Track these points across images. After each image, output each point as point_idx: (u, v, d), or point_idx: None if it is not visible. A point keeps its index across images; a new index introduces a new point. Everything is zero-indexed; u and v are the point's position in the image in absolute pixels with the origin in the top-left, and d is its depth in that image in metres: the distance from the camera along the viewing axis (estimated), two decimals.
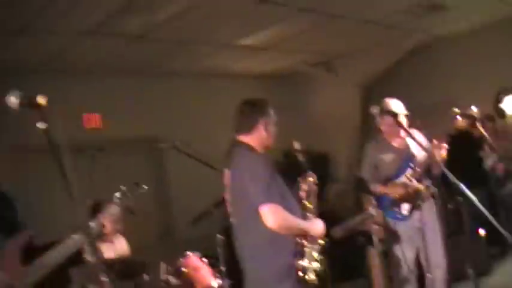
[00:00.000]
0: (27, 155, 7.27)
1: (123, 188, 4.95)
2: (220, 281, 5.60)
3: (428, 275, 5.32)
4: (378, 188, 5.75)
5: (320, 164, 10.72)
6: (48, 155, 2.99)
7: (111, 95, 8.51)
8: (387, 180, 5.69)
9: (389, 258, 5.92)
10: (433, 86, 9.78)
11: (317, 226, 4.06)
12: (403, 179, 5.57)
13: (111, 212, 4.77)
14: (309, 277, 3.88)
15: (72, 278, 5.26)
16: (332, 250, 6.23)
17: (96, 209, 5.43)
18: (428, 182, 5.51)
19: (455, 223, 5.44)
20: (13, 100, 2.88)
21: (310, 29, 8.09)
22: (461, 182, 3.85)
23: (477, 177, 8.12)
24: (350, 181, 10.44)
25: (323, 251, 4.09)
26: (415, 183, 5.46)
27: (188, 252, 5.69)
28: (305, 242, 3.94)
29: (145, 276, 5.49)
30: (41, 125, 2.83)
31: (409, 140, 5.53)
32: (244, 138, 4.08)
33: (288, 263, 3.87)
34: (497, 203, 8.11)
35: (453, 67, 9.81)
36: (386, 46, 9.62)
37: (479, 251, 7.03)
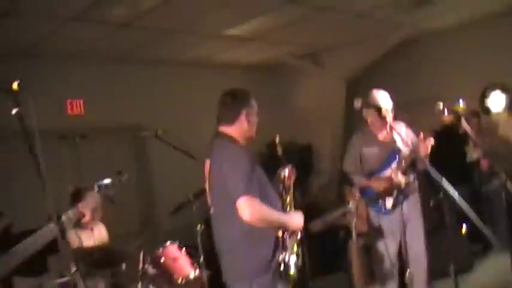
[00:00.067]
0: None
1: (104, 177, 4.89)
2: (198, 272, 5.57)
3: (409, 270, 5.29)
4: (362, 181, 5.73)
5: (304, 156, 10.73)
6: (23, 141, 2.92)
7: (95, 82, 8.44)
8: (372, 173, 5.66)
9: (372, 252, 5.91)
10: (420, 81, 9.78)
11: (296, 219, 3.98)
12: (388, 172, 5.53)
13: (91, 201, 4.72)
14: (289, 270, 3.84)
15: (50, 265, 5.22)
16: (313, 243, 6.24)
17: (76, 197, 5.41)
18: (413, 177, 5.47)
19: (437, 219, 5.40)
20: None
21: (298, 21, 8.03)
22: (446, 177, 3.83)
23: (461, 174, 8.14)
24: (333, 174, 10.44)
25: (301, 243, 4.06)
26: (400, 177, 5.42)
27: (167, 242, 5.65)
28: (286, 235, 3.88)
29: (123, 265, 5.46)
30: (14, 110, 2.74)
31: (395, 134, 5.48)
32: (226, 129, 4.03)
33: (267, 256, 3.81)
34: (482, 199, 8.12)
35: (440, 62, 9.81)
36: (373, 39, 9.58)
37: (461, 247, 7.03)
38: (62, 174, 7.48)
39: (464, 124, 4.98)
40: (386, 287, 5.76)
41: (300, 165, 10.28)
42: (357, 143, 5.85)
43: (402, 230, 5.30)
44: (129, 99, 8.80)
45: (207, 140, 4.14)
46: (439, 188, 3.76)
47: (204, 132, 4.49)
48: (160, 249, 5.52)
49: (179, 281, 5.34)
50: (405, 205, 5.29)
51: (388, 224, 5.54)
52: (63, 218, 4.27)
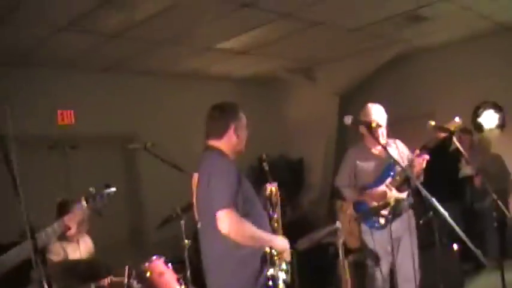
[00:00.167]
0: None
1: (92, 189, 4.83)
2: (184, 287, 5.49)
3: None
4: (355, 196, 5.68)
5: (295, 170, 10.69)
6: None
7: (86, 92, 8.39)
8: (365, 188, 5.60)
9: (364, 269, 5.86)
10: (412, 97, 9.78)
11: (279, 241, 3.91)
12: (382, 187, 5.49)
13: (78, 213, 4.65)
14: (278, 286, 3.77)
15: (32, 278, 5.14)
16: (302, 259, 6.18)
17: (62, 208, 5.34)
18: (407, 193, 5.42)
19: (427, 237, 5.37)
20: None
21: (291, 35, 8.01)
22: (437, 194, 3.79)
23: (453, 190, 8.12)
24: (324, 189, 10.40)
25: (290, 259, 3.99)
26: (394, 192, 5.38)
27: (153, 257, 5.57)
28: (273, 251, 3.80)
29: (108, 279, 5.39)
30: None
31: (390, 149, 5.44)
32: (215, 143, 3.99)
33: (253, 272, 3.76)
34: (473, 216, 8.09)
35: (432, 79, 9.81)
36: (367, 55, 9.56)
37: (452, 266, 7.00)
38: (51, 184, 7.42)
39: (455, 141, 4.94)
40: None
41: (291, 179, 10.37)
42: (352, 157, 5.80)
43: (396, 246, 5.37)
44: (120, 110, 8.74)
45: (197, 153, 4.11)
46: (430, 206, 3.71)
47: (194, 145, 4.45)
48: (146, 264, 5.44)
49: None
50: (398, 222, 5.30)
51: (381, 239, 5.47)
52: (48, 230, 4.21)
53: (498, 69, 8.95)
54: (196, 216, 4.06)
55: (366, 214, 5.56)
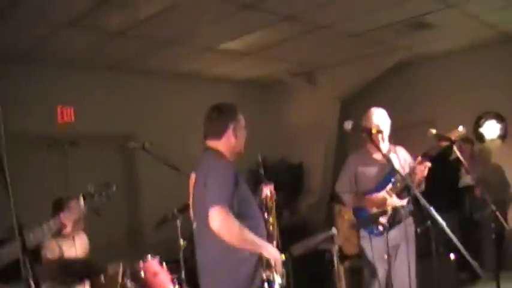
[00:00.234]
0: None
1: (90, 187, 4.81)
2: None
3: None
4: (355, 202, 5.63)
5: (295, 174, 10.66)
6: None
7: (86, 90, 8.36)
8: (365, 194, 5.54)
9: (361, 275, 5.83)
10: (413, 104, 9.77)
11: (271, 249, 3.84)
12: (383, 193, 5.43)
13: (74, 211, 4.63)
14: None
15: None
16: (298, 265, 6.16)
17: (58, 206, 5.32)
18: (408, 200, 5.38)
19: (424, 246, 5.34)
20: None
21: (293, 38, 7.99)
22: (437, 203, 3.77)
23: (452, 200, 8.09)
24: (323, 193, 10.37)
25: (285, 264, 3.96)
26: (394, 199, 5.35)
27: (148, 256, 5.54)
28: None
29: (102, 277, 5.36)
30: None
31: (392, 155, 5.41)
32: (214, 144, 3.96)
33: (248, 275, 3.72)
34: (471, 226, 8.06)
35: (434, 87, 9.80)
36: (369, 60, 9.55)
37: (448, 275, 6.97)
38: (50, 182, 7.41)
39: (456, 150, 4.91)
40: None
41: (291, 183, 10.34)
42: (353, 163, 5.75)
43: (394, 253, 5.34)
44: (120, 109, 8.72)
45: (195, 154, 4.09)
46: (428, 215, 3.68)
47: (193, 146, 4.43)
48: (141, 263, 5.41)
49: None
50: (397, 229, 5.26)
51: (379, 246, 5.42)
52: (44, 227, 4.18)
53: (501, 79, 8.93)
54: (192, 217, 4.03)
55: (363, 221, 5.54)
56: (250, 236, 3.67)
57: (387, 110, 5.62)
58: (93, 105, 8.34)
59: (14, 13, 5.96)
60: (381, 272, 5.48)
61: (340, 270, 6.69)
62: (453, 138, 4.89)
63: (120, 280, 5.21)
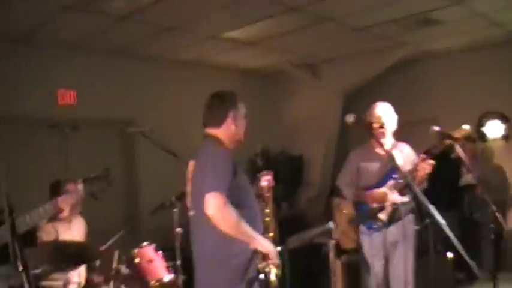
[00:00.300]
0: None
1: (91, 171, 4.80)
2: (173, 276, 5.43)
3: None
4: (355, 195, 5.62)
5: (295, 167, 10.63)
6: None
7: (88, 74, 8.32)
8: (366, 189, 5.52)
9: (358, 270, 5.82)
10: (417, 101, 9.68)
11: (265, 242, 3.81)
12: (383, 189, 5.40)
13: (72, 195, 4.61)
14: (270, 278, 3.75)
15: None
16: (295, 258, 6.14)
17: (55, 189, 5.29)
18: (409, 197, 5.32)
19: (422, 245, 5.32)
20: None
21: (298, 30, 7.93)
22: (437, 202, 3.73)
23: (452, 199, 8.05)
24: (323, 187, 10.35)
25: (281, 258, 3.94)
26: (395, 195, 5.32)
27: (144, 243, 5.51)
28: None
29: (97, 262, 5.34)
30: None
31: (395, 151, 5.39)
32: (213, 132, 3.95)
33: (244, 264, 3.70)
34: (471, 226, 8.02)
35: (439, 84, 9.77)
36: (374, 56, 9.51)
37: (445, 275, 6.96)
38: (50, 164, 7.40)
39: (458, 149, 4.87)
40: None
41: (290, 175, 10.31)
42: (355, 158, 5.74)
43: (393, 249, 5.35)
44: (122, 94, 8.68)
45: (196, 142, 4.08)
46: (427, 213, 3.64)
47: (194, 134, 4.39)
48: (136, 250, 5.39)
49: (152, 283, 5.21)
50: (397, 226, 5.27)
51: (378, 241, 5.41)
52: (40, 210, 4.16)
53: (507, 79, 8.88)
54: (189, 204, 4.00)
55: (362, 216, 5.51)
56: (245, 226, 3.64)
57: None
58: (95, 90, 8.30)
59: None
60: (378, 268, 5.46)
61: (336, 264, 6.68)
62: (457, 136, 4.84)
63: (114, 265, 5.19)
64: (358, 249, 5.78)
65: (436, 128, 4.84)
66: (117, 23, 7.16)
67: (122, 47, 8.40)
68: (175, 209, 5.61)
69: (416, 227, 5.42)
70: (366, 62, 9.74)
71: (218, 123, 3.94)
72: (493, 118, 9.26)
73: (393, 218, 5.29)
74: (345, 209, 6.06)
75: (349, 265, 6.76)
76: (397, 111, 5.59)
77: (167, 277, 5.38)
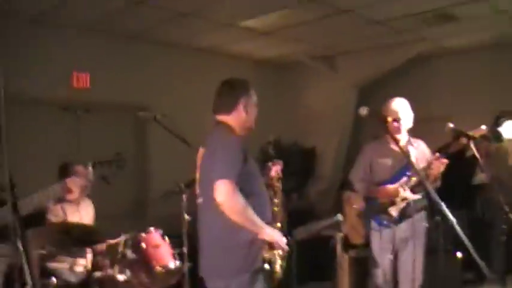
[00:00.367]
0: None
1: (103, 155, 4.79)
2: (179, 262, 5.41)
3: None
4: (367, 190, 5.61)
5: (306, 159, 10.59)
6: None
7: (104, 57, 8.29)
8: (379, 184, 5.50)
9: (366, 265, 5.82)
10: (431, 99, 9.59)
11: (274, 232, 3.79)
12: (396, 185, 5.36)
13: (82, 177, 4.60)
14: (275, 269, 3.78)
15: (29, 239, 5.09)
16: (302, 250, 6.11)
17: (64, 171, 5.29)
18: (421, 195, 5.30)
19: (432, 242, 5.28)
20: None
21: (316, 21, 7.86)
22: (448, 200, 3.69)
23: (465, 198, 7.99)
24: (334, 180, 10.31)
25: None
26: (407, 192, 5.28)
27: (151, 228, 5.49)
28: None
29: (104, 246, 5.35)
30: None
31: (410, 147, 5.38)
32: (224, 118, 3.93)
33: (250, 253, 3.69)
34: (482, 226, 7.95)
35: (454, 82, 9.67)
36: (391, 50, 9.45)
37: (454, 274, 6.93)
38: (62, 147, 7.39)
39: (473, 148, 4.81)
40: None
41: (302, 167, 10.28)
42: (369, 152, 5.72)
43: (404, 245, 5.37)
44: (136, 79, 8.63)
45: (208, 129, 4.04)
46: (438, 211, 3.60)
47: (207, 121, 4.35)
48: (143, 235, 5.36)
49: (157, 269, 5.19)
50: (408, 222, 5.27)
51: (387, 238, 5.38)
52: (48, 190, 4.15)
53: None
54: (198, 191, 3.98)
55: (372, 210, 5.49)
56: (253, 215, 3.62)
57: None
58: (109, 73, 8.27)
59: None
60: (387, 264, 5.44)
61: (343, 257, 6.65)
62: (471, 134, 4.79)
63: (120, 249, 5.17)
64: (367, 245, 5.77)
65: (451, 125, 4.79)
66: (132, 7, 7.10)
67: (138, 32, 8.36)
68: (184, 196, 5.57)
69: (426, 225, 5.38)
70: (383, 55, 9.66)
71: (229, 110, 3.91)
72: (510, 118, 9.16)
73: (404, 215, 5.28)
74: (355, 203, 6.03)
75: (358, 260, 6.73)
76: (411, 106, 5.55)
77: (172, 263, 5.35)
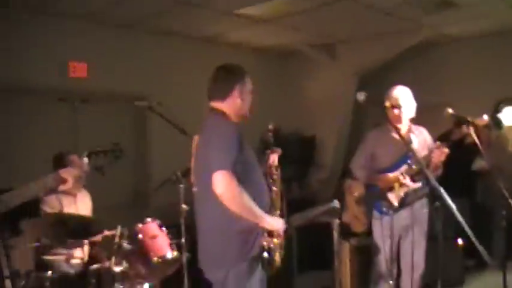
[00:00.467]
0: None
1: (100, 145, 4.75)
2: (177, 253, 5.36)
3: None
4: (368, 178, 5.59)
5: (307, 147, 10.55)
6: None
7: (101, 47, 8.26)
8: (380, 172, 5.48)
9: (368, 253, 5.86)
10: (431, 86, 9.53)
11: (274, 220, 3.77)
12: (396, 173, 5.34)
13: (76, 168, 4.55)
14: (274, 257, 3.75)
15: (24, 230, 5.06)
16: (303, 238, 6.06)
17: (58, 161, 5.25)
18: (422, 183, 5.27)
19: (433, 229, 5.26)
20: None
21: (316, 8, 7.78)
22: (448, 187, 3.65)
23: (464, 185, 7.96)
24: (335, 168, 10.28)
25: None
26: (407, 180, 5.26)
27: (148, 219, 5.44)
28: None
29: (100, 237, 5.30)
30: None
31: (412, 135, 5.38)
32: (218, 105, 3.87)
33: (248, 241, 3.65)
34: (482, 213, 7.93)
35: (456, 69, 9.66)
36: (391, 37, 9.38)
37: (454, 261, 6.94)
38: (59, 137, 7.36)
39: (473, 134, 4.77)
40: None
41: (302, 156, 10.24)
42: (370, 141, 5.70)
43: (405, 233, 5.41)
44: (134, 69, 8.59)
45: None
46: (438, 197, 3.56)
47: (206, 110, 4.31)
48: (140, 225, 5.31)
49: (155, 260, 5.14)
50: (408, 210, 5.25)
51: (388, 225, 5.35)
52: (42, 180, 4.12)
53: None
54: (193, 180, 3.94)
55: (371, 196, 5.50)
56: (252, 205, 3.57)
57: None
58: (107, 63, 8.24)
59: None
60: (388, 251, 5.41)
61: (343, 245, 6.62)
62: (471, 120, 4.75)
63: (117, 240, 5.12)
64: (369, 233, 5.80)
65: (450, 111, 4.75)
66: None
67: (136, 20, 8.29)
68: (181, 185, 5.51)
69: (427, 211, 5.36)
70: (383, 43, 9.61)
71: (223, 96, 3.85)
72: (510, 105, 9.13)
73: (404, 203, 5.25)
74: (356, 191, 6.01)
75: (360, 248, 6.71)
76: (412, 94, 5.51)
77: (170, 254, 5.30)
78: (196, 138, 3.93)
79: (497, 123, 9.09)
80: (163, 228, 5.48)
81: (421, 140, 5.46)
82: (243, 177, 3.54)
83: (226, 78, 3.91)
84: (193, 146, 3.97)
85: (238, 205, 3.51)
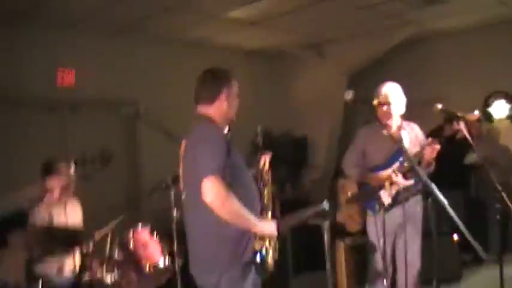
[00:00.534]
0: None
1: (89, 153, 4.69)
2: (169, 260, 5.31)
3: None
4: (360, 176, 5.53)
5: (299, 148, 10.54)
6: None
7: (89, 53, 8.25)
8: (372, 170, 5.45)
9: (363, 253, 5.88)
10: (422, 81, 9.55)
11: (267, 225, 3.70)
12: (388, 172, 5.31)
13: (63, 177, 4.49)
14: (266, 261, 3.68)
15: (11, 242, 4.99)
16: (297, 240, 6.02)
17: (46, 170, 5.18)
18: (415, 180, 5.21)
19: (427, 225, 5.24)
20: None
21: (303, 8, 7.80)
22: (442, 182, 3.62)
23: (458, 179, 7.96)
24: (327, 168, 10.26)
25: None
26: (399, 178, 5.22)
27: (139, 226, 5.38)
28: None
29: (91, 246, 5.24)
30: None
31: (403, 132, 5.34)
32: (205, 109, 3.83)
33: (240, 247, 3.59)
34: (476, 206, 7.93)
35: (444, 64, 9.72)
36: (379, 35, 9.41)
37: (451, 256, 6.94)
38: (48, 146, 7.32)
39: (463, 129, 4.73)
40: None
41: (294, 157, 10.21)
42: (361, 138, 5.66)
43: (400, 231, 5.33)
44: (123, 75, 8.57)
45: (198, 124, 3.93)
46: (430, 193, 3.52)
47: (196, 115, 4.27)
48: (130, 233, 5.25)
49: (147, 268, 5.09)
50: (402, 208, 5.16)
51: (382, 223, 5.30)
52: (26, 190, 4.06)
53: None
54: (182, 186, 3.88)
55: (364, 194, 5.46)
56: (243, 211, 3.50)
57: None
58: (95, 70, 8.21)
59: None
60: (383, 250, 5.37)
61: (338, 244, 6.60)
62: (461, 115, 4.72)
63: (108, 250, 5.07)
64: (364, 232, 5.76)
65: (440, 106, 4.72)
66: (118, 2, 7.03)
67: (124, 27, 8.27)
68: (172, 191, 5.46)
69: (421, 207, 5.34)
70: (371, 41, 9.62)
71: (211, 99, 3.81)
72: (500, 98, 9.14)
73: (396, 201, 5.23)
74: (349, 190, 5.97)
75: (354, 248, 6.68)
76: (402, 91, 5.48)
77: (162, 262, 5.25)
78: (183, 142, 3.87)
79: (488, 116, 9.09)
80: (155, 234, 5.43)
81: (412, 136, 5.42)
82: (232, 183, 3.48)
83: (213, 81, 3.86)
84: (181, 150, 3.90)
85: (229, 213, 3.45)
